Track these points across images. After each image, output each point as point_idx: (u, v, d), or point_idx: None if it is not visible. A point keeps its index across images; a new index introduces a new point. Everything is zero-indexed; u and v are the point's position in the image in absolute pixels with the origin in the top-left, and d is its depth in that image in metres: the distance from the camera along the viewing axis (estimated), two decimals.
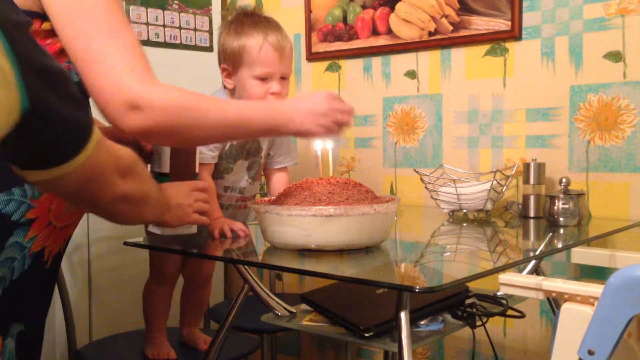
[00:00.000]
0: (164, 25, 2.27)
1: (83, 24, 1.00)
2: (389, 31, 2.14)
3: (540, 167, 1.75)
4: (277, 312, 1.42)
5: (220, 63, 1.56)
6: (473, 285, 1.39)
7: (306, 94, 1.25)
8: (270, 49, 1.48)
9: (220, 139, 1.38)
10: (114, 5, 1.03)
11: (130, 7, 2.14)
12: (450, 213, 1.80)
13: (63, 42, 1.01)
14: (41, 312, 1.17)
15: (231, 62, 1.51)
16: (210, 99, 1.13)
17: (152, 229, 1.37)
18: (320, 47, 2.31)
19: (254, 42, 1.48)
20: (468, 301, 1.36)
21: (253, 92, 1.49)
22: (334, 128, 1.20)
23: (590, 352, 0.88)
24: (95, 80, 1.00)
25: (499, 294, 1.43)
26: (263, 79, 1.49)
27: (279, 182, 1.68)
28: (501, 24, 1.89)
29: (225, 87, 1.58)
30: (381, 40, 2.15)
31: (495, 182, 1.73)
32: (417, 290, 0.94)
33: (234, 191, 1.61)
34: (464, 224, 1.69)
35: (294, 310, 1.43)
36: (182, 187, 1.27)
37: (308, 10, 2.33)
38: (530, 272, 1.56)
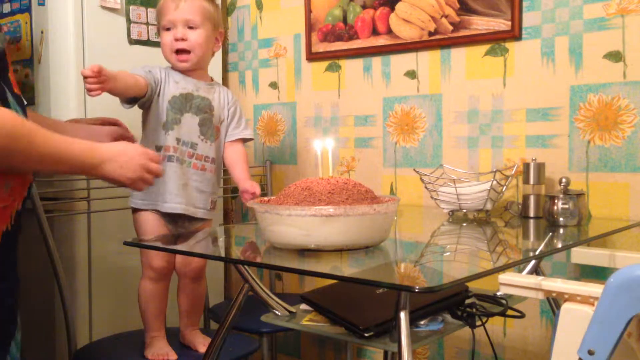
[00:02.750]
0: None
1: None
2: (389, 31, 2.14)
3: (540, 167, 1.75)
4: (277, 312, 1.42)
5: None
6: (473, 285, 1.39)
7: (123, 149, 1.31)
8: (168, 1, 1.68)
9: (44, 170, 1.39)
10: None
11: (130, 7, 2.14)
12: (450, 213, 1.80)
13: None
14: None
15: (157, 27, 1.76)
16: (37, 132, 1.14)
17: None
18: (320, 47, 2.31)
19: (162, 1, 1.71)
20: (468, 301, 1.36)
21: (163, 41, 1.70)
22: (138, 183, 1.34)
23: (590, 352, 0.88)
24: None
25: (498, 294, 1.43)
26: (168, 28, 1.68)
27: (230, 152, 1.77)
28: (501, 24, 1.89)
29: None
30: (381, 40, 2.15)
31: (495, 182, 1.73)
32: (416, 290, 0.94)
33: (185, 145, 1.68)
34: (464, 224, 1.69)
35: (294, 310, 1.43)
36: (133, 148, 1.34)
37: (308, 10, 2.33)
38: (530, 272, 1.56)
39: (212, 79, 1.78)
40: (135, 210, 1.70)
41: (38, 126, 1.14)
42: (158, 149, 1.67)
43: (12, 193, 1.18)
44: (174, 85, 1.69)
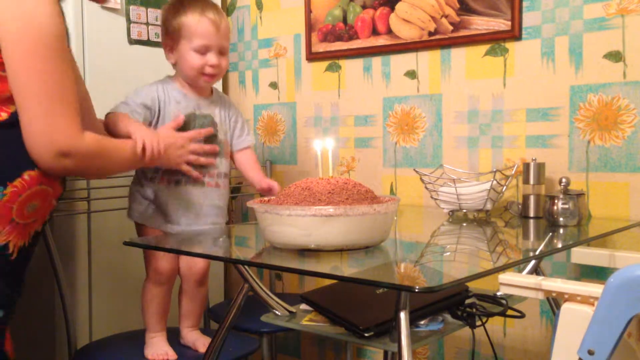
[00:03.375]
0: None
1: (28, 63, 1.17)
2: (389, 31, 2.14)
3: (540, 167, 1.75)
4: (277, 312, 1.42)
5: (162, 41, 1.68)
6: (473, 285, 1.39)
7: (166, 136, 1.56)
8: (207, 22, 1.60)
9: (123, 172, 1.56)
10: (58, 54, 1.20)
11: (130, 7, 2.14)
12: (450, 213, 1.80)
13: (9, 78, 1.18)
14: (6, 302, 1.28)
15: (172, 37, 1.64)
16: (115, 143, 1.39)
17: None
18: (320, 47, 2.31)
19: (192, 17, 1.60)
20: (468, 301, 1.37)
21: (192, 63, 1.61)
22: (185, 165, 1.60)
23: (590, 352, 0.88)
24: (30, 122, 1.18)
25: (498, 294, 1.43)
26: (201, 51, 1.61)
27: (243, 159, 1.77)
28: (501, 24, 1.89)
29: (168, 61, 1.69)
30: (381, 40, 2.15)
31: (495, 182, 1.73)
32: (416, 290, 0.94)
33: (195, 168, 1.65)
34: (464, 224, 1.69)
35: (294, 310, 1.43)
36: (173, 134, 1.57)
37: (308, 10, 2.33)
38: (530, 272, 1.56)
39: (211, 91, 1.74)
40: (138, 224, 1.69)
41: (110, 139, 1.41)
42: (165, 173, 1.63)
43: (35, 214, 1.29)
44: (175, 106, 1.64)
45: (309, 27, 2.34)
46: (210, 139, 1.67)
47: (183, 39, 1.61)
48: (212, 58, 1.61)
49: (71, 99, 1.22)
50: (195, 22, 1.60)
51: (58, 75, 1.19)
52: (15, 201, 1.22)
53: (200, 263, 1.72)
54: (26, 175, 1.23)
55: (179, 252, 1.63)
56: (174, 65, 1.68)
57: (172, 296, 1.74)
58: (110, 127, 1.51)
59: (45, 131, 1.18)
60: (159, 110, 1.62)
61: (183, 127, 1.62)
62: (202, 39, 1.60)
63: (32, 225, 1.31)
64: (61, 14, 1.24)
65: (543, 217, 1.66)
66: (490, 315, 1.35)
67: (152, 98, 1.62)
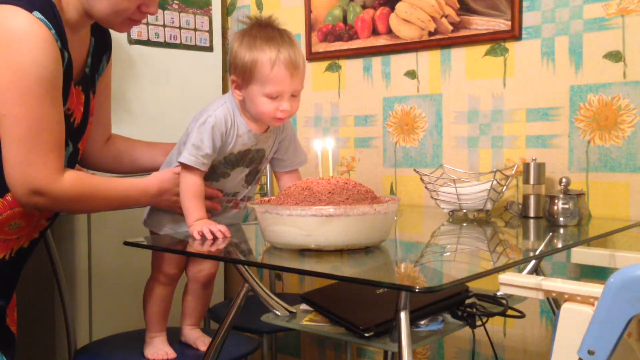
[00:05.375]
0: (164, 25, 2.27)
1: (14, 109, 1.25)
2: (389, 31, 2.14)
3: (540, 167, 1.75)
4: (277, 312, 1.41)
5: (230, 73, 1.52)
6: (473, 285, 1.39)
7: (166, 181, 1.54)
8: (282, 67, 1.43)
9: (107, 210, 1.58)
10: (42, 99, 1.26)
11: None
12: (450, 213, 1.80)
13: None
14: None
15: (242, 75, 1.47)
16: (101, 186, 1.42)
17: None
18: (320, 47, 2.31)
19: (266, 59, 1.42)
20: (468, 301, 1.36)
21: (263, 109, 1.46)
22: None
23: (590, 352, 0.88)
24: (9, 160, 1.27)
25: (499, 294, 1.43)
26: (274, 96, 1.45)
27: (288, 183, 1.65)
28: (501, 24, 1.89)
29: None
30: (381, 40, 2.15)
31: (495, 182, 1.73)
32: (416, 290, 0.94)
33: (227, 195, 1.60)
34: (464, 224, 1.69)
35: (294, 310, 1.43)
36: (168, 177, 1.53)
37: (308, 10, 2.33)
38: (530, 272, 1.56)
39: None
40: (152, 232, 1.66)
41: (99, 179, 1.43)
42: None
43: (19, 231, 1.37)
44: (237, 139, 1.52)
45: (309, 27, 2.34)
46: (253, 170, 1.60)
47: (254, 82, 1.45)
48: (284, 104, 1.45)
49: (52, 142, 1.29)
50: (269, 66, 1.42)
51: (39, 120, 1.27)
52: None
53: (207, 269, 1.71)
54: (9, 197, 1.32)
55: (179, 252, 1.63)
56: (242, 101, 1.51)
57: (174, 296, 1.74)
58: (181, 191, 1.49)
59: (21, 171, 1.27)
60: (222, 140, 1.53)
61: (235, 161, 1.54)
62: (276, 85, 1.43)
63: (16, 242, 1.38)
64: (57, 56, 1.28)
65: (543, 217, 1.66)
66: (490, 315, 1.35)
67: (222, 133, 1.50)
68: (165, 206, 1.55)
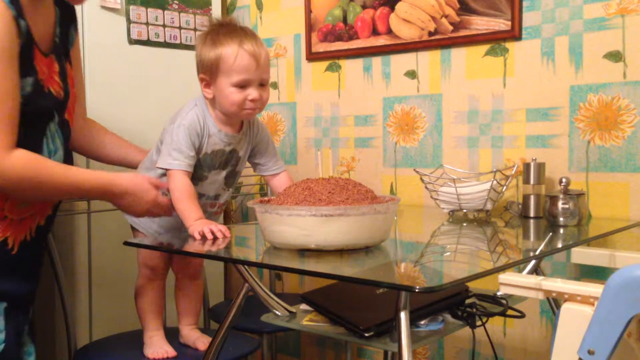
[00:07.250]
0: (164, 25, 2.27)
1: None
2: (389, 31, 2.14)
3: (540, 167, 1.75)
4: (277, 312, 1.41)
5: (198, 73, 1.57)
6: (473, 285, 1.39)
7: (139, 183, 1.46)
8: (246, 55, 1.49)
9: (64, 199, 1.53)
10: None
11: (130, 7, 2.14)
12: (450, 213, 1.80)
13: None
14: (17, 291, 1.35)
15: (209, 72, 1.53)
16: (53, 172, 1.31)
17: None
18: (320, 47, 2.31)
19: (229, 51, 1.49)
20: (468, 301, 1.37)
21: (232, 99, 1.51)
22: (146, 215, 1.50)
23: (590, 352, 0.88)
24: None
25: (499, 294, 1.43)
26: (241, 86, 1.50)
27: (280, 183, 1.69)
28: (501, 24, 1.89)
29: (205, 97, 1.58)
30: (381, 40, 2.15)
31: (495, 182, 1.73)
32: (416, 290, 0.94)
33: (208, 198, 1.62)
34: (464, 224, 1.69)
35: (294, 310, 1.43)
36: (147, 185, 1.46)
37: (308, 10, 2.33)
38: (530, 272, 1.56)
39: (241, 125, 1.62)
40: (134, 228, 1.69)
41: (55, 164, 1.33)
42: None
43: (33, 208, 1.34)
44: (208, 139, 1.56)
45: (309, 27, 2.34)
46: (230, 172, 1.63)
47: (221, 75, 1.50)
48: (252, 92, 1.51)
49: (6, 119, 1.22)
50: (233, 56, 1.49)
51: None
52: (8, 198, 1.28)
53: (195, 261, 1.73)
54: None
55: (179, 253, 1.63)
56: (212, 100, 1.56)
57: (168, 296, 1.74)
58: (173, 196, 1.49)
59: None
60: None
61: (210, 162, 1.57)
62: (241, 73, 1.49)
63: (31, 220, 1.35)
64: (10, 25, 1.21)
65: (543, 217, 1.66)
66: (490, 315, 1.35)
67: (197, 133, 1.54)
68: (122, 207, 1.46)
